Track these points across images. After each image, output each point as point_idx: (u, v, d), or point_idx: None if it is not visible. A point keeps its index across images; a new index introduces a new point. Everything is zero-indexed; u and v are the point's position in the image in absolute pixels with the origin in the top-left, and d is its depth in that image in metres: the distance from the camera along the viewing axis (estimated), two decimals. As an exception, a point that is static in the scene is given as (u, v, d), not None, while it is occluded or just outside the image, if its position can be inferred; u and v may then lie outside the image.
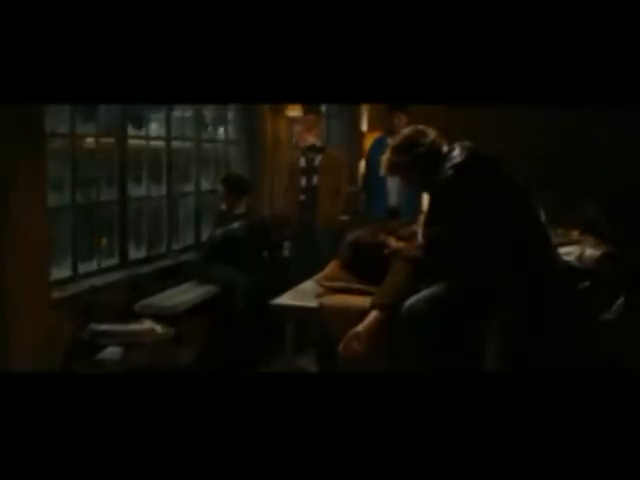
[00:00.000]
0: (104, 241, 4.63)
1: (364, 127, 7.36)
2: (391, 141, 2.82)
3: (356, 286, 2.93)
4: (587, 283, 2.81)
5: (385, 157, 2.71)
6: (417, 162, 2.64)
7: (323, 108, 7.22)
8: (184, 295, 4.49)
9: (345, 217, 5.58)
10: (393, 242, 2.95)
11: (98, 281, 4.16)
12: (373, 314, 2.66)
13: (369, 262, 2.95)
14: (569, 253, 2.93)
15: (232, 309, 4.53)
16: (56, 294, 3.79)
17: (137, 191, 4.83)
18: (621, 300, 2.78)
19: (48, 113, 3.75)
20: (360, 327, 2.62)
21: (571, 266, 2.87)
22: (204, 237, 5.32)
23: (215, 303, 4.60)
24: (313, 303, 2.86)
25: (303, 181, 5.17)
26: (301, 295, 3.05)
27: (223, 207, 5.12)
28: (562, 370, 2.41)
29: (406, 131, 2.75)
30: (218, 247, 4.78)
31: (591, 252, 2.89)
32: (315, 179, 5.14)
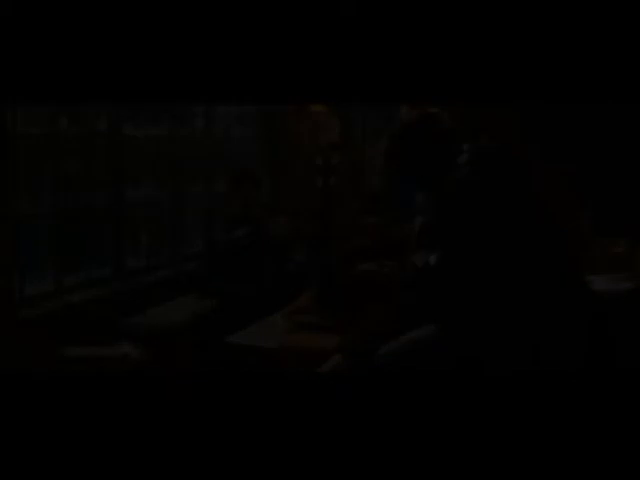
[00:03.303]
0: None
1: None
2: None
3: (329, 322, 2.43)
4: (617, 321, 2.27)
5: (382, 144, 2.23)
6: (411, 152, 2.12)
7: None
8: (177, 311, 4.11)
9: (372, 219, 5.10)
10: (374, 269, 2.45)
11: (85, 295, 3.85)
12: (335, 360, 2.19)
13: (345, 294, 2.45)
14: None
15: (231, 326, 4.09)
16: (27, 312, 3.48)
17: (137, 194, 4.48)
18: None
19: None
20: None
21: (600, 300, 2.31)
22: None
23: (212, 319, 4.18)
24: (272, 343, 2.38)
25: (319, 181, 4.71)
26: (266, 331, 2.57)
27: (231, 208, 4.70)
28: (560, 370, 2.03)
29: (410, 115, 2.22)
30: (220, 255, 4.35)
31: (623, 285, 2.32)
32: (332, 179, 4.67)
